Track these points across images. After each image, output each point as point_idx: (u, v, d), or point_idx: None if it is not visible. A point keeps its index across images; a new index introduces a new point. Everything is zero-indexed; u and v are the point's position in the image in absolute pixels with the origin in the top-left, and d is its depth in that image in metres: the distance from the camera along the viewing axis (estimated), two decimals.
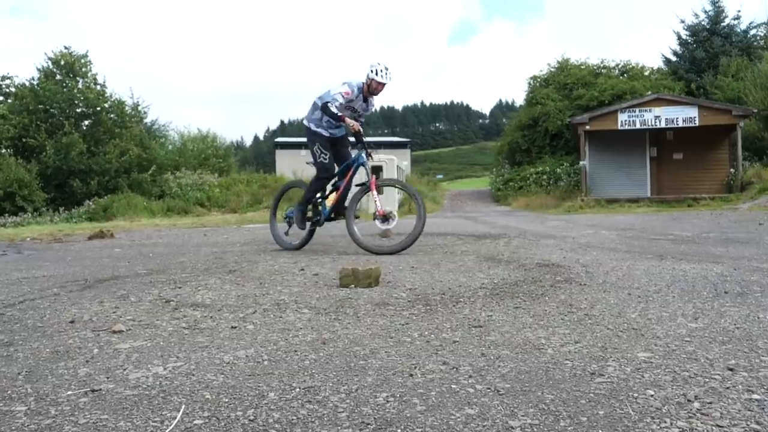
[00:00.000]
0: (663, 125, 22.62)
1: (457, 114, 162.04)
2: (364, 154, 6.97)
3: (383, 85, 6.73)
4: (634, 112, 22.68)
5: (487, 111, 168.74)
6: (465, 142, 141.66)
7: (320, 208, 7.32)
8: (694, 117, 22.18)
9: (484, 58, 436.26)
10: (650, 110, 22.52)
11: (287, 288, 4.06)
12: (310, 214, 7.33)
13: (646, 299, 3.36)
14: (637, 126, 22.73)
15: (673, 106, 22.41)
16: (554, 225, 12.02)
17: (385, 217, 6.95)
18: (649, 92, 26.52)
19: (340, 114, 6.61)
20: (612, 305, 3.21)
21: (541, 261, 5.34)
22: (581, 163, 23.86)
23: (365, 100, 6.94)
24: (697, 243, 6.95)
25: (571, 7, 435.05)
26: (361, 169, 7.01)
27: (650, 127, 22.82)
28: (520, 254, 6.04)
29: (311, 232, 7.35)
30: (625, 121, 22.75)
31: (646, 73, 32.47)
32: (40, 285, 4.63)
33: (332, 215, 7.27)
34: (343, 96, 6.68)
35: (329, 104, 6.61)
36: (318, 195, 7.31)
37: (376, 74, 6.65)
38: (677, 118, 22.36)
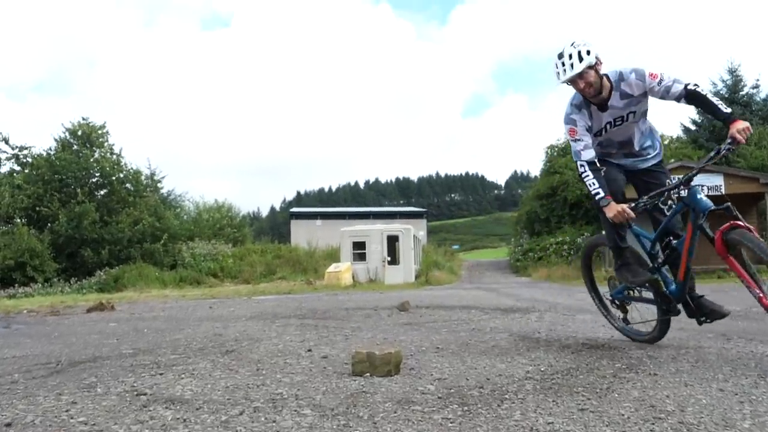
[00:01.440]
0: None
1: (472, 185, 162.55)
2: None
3: (576, 78, 3.92)
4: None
5: (502, 182, 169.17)
6: (480, 212, 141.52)
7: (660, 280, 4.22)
8: (720, 185, 21.47)
9: (498, 130, 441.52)
10: (674, 178, 21.84)
11: (288, 376, 3.33)
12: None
13: (748, 397, 2.61)
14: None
15: (698, 174, 21.72)
16: (583, 298, 11.18)
17: None
18: (672, 160, 25.96)
19: (593, 186, 4.01)
20: (707, 407, 2.46)
21: (586, 341, 4.59)
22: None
23: (602, 106, 4.07)
24: (757, 320, 6.15)
25: None
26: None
27: None
28: (559, 332, 5.28)
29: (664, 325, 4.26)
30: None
31: (666, 142, 31.98)
32: (3, 369, 3.95)
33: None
34: (572, 137, 4.17)
35: (580, 168, 4.13)
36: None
37: (558, 76, 4.01)
38: (702, 186, 21.60)
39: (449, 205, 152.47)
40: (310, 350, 4.39)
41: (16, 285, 24.19)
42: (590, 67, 3.88)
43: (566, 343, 4.48)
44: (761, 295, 3.42)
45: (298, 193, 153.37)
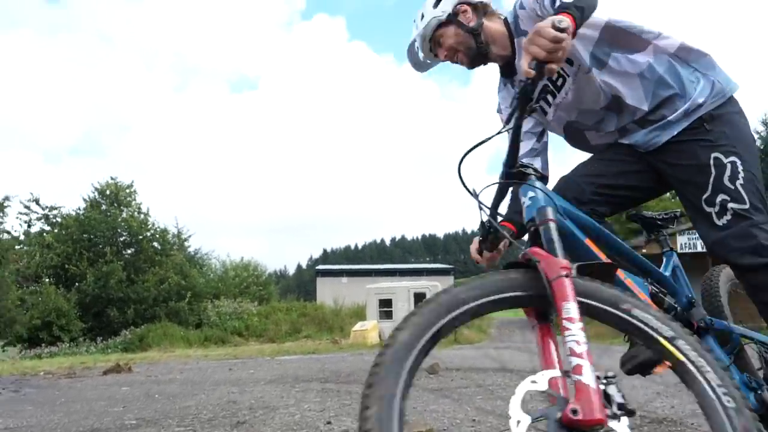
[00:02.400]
0: None
1: None
2: None
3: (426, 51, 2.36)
4: (694, 234, 21.27)
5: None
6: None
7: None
8: None
9: None
10: None
11: None
12: None
13: None
14: (698, 249, 21.21)
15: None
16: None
17: None
18: None
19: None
20: None
21: (645, 413, 4.02)
22: None
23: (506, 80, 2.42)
24: None
25: None
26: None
27: None
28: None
29: None
30: (685, 243, 21.32)
31: None
32: None
33: None
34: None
35: None
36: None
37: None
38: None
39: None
40: (329, 422, 3.89)
41: (43, 345, 23.93)
42: (443, 24, 2.26)
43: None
44: None
45: (325, 250, 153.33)
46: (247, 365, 10.67)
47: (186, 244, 33.20)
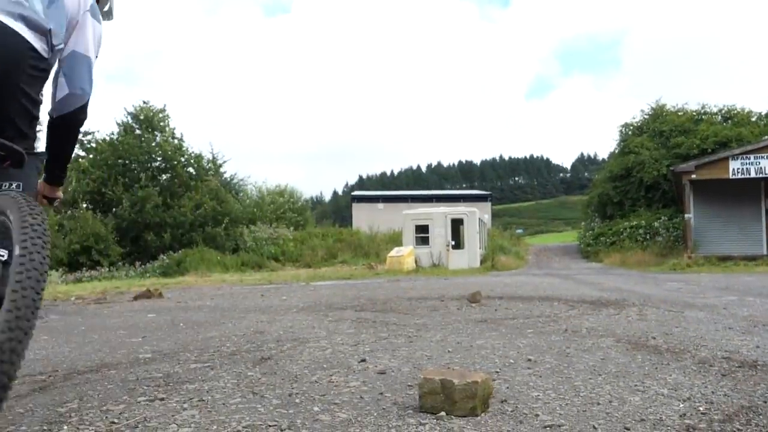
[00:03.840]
0: None
1: (537, 168, 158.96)
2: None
3: None
4: (749, 158, 20.16)
5: (568, 165, 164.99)
6: (545, 196, 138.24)
7: None
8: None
9: (563, 111, 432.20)
10: None
11: (329, 411, 2.36)
12: None
13: None
14: (752, 174, 20.17)
15: None
16: (675, 287, 9.92)
17: None
18: (767, 137, 23.90)
19: None
20: None
21: (728, 354, 3.45)
22: (686, 216, 21.35)
23: None
24: None
25: (649, 57, 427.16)
26: None
27: (767, 175, 20.20)
28: (679, 337, 4.15)
29: None
30: (738, 169, 20.24)
31: (753, 119, 29.67)
32: None
33: None
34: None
35: (86, 108, 2.41)
36: None
37: None
38: None
39: (513, 189, 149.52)
40: (363, 360, 3.41)
41: (84, 269, 24.24)
42: None
43: (702, 357, 3.37)
44: None
45: (361, 177, 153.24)
46: (280, 291, 10.35)
47: (221, 170, 33.06)
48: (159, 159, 28.99)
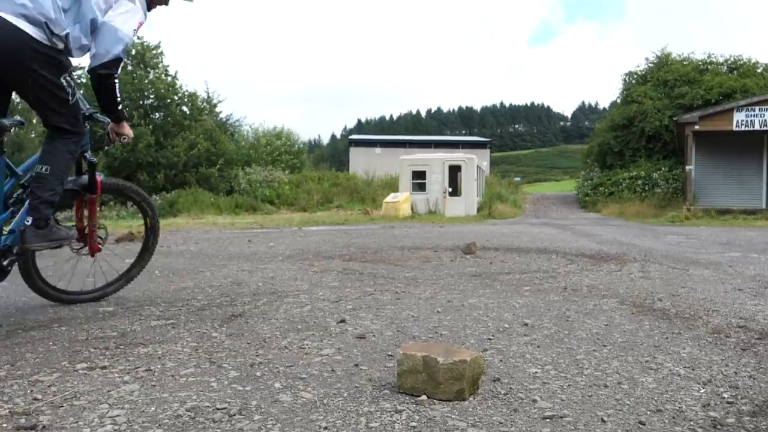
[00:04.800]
0: None
1: (537, 116, 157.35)
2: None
3: None
4: (753, 111, 19.62)
5: (568, 113, 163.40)
6: (545, 144, 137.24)
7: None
8: None
9: (566, 59, 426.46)
10: None
11: (292, 384, 2.02)
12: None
13: None
14: (756, 127, 19.67)
15: None
16: (675, 241, 9.61)
17: None
18: None
19: (120, 94, 3.19)
20: None
21: (743, 321, 3.12)
22: (687, 167, 20.94)
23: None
24: None
25: (655, 4, 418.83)
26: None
27: None
28: (687, 300, 3.82)
29: None
30: (742, 121, 19.73)
31: (759, 70, 28.93)
32: None
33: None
34: (135, 34, 3.24)
35: (119, 64, 3.10)
36: None
37: None
38: None
39: (513, 136, 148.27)
40: (343, 321, 3.08)
41: (72, 209, 23.82)
42: None
43: (715, 325, 3.04)
44: None
45: (359, 120, 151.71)
46: (269, 237, 10.01)
47: (216, 110, 32.37)
48: (152, 97, 28.21)
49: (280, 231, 12.21)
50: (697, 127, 20.26)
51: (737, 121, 19.81)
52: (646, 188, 26.01)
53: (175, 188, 25.93)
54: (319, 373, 2.17)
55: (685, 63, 29.85)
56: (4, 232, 3.06)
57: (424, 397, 1.86)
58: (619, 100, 32.74)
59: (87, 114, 3.29)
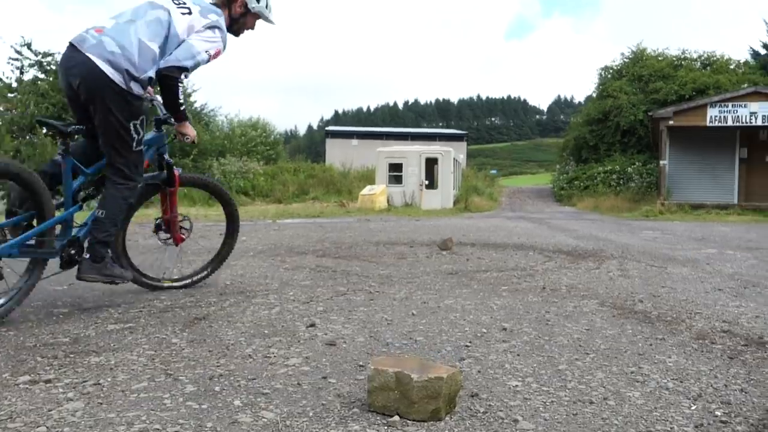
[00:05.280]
0: (759, 123, 19.59)
1: (513, 109, 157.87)
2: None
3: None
4: (726, 107, 19.72)
5: (544, 107, 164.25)
6: (521, 137, 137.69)
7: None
8: None
9: (542, 53, 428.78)
10: (745, 105, 19.52)
11: (254, 402, 1.86)
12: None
13: None
14: (729, 123, 19.77)
15: None
16: (650, 237, 9.57)
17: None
18: (745, 84, 23.47)
19: (181, 97, 3.48)
20: None
21: (727, 325, 3.01)
22: (661, 162, 21.02)
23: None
24: None
25: (630, 2, 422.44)
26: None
27: (744, 124, 19.82)
28: (668, 301, 3.71)
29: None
30: (716, 117, 19.82)
31: (732, 67, 29.16)
32: None
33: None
34: (210, 58, 3.54)
35: (182, 74, 3.40)
36: None
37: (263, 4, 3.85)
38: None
39: (489, 129, 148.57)
40: (312, 325, 2.92)
41: None
42: None
43: (699, 330, 2.92)
44: None
45: (336, 112, 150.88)
46: (242, 230, 9.73)
47: (191, 99, 31.86)
48: None
49: (254, 224, 11.98)
50: (671, 122, 20.32)
51: (711, 117, 19.91)
52: (621, 182, 26.10)
53: None
54: (283, 388, 2.00)
55: (659, 58, 29.96)
56: (76, 225, 3.46)
57: (396, 417, 1.71)
58: (594, 95, 32.81)
59: (162, 118, 3.71)
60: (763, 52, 30.11)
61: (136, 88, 3.24)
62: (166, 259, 4.25)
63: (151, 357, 2.36)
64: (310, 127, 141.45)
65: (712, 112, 19.96)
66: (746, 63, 29.86)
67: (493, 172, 62.74)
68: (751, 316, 3.27)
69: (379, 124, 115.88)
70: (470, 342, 2.64)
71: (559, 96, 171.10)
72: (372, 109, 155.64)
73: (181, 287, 4.05)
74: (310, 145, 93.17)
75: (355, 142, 46.03)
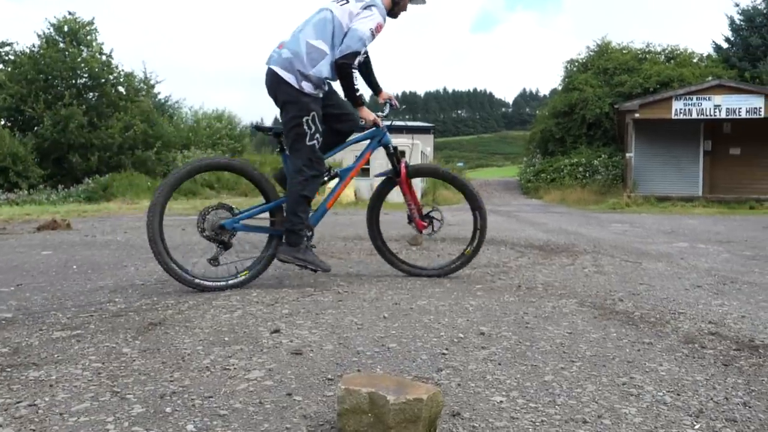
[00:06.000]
0: (723, 116, 19.83)
1: (479, 102, 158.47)
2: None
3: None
4: (691, 99, 19.91)
5: (510, 99, 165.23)
6: (487, 130, 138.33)
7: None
8: (760, 108, 19.36)
9: (507, 46, 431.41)
10: (709, 98, 19.73)
11: (209, 426, 1.65)
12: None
13: None
14: (694, 115, 19.97)
15: (736, 94, 19.57)
16: (620, 230, 9.53)
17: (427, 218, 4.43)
18: (710, 78, 23.74)
19: (356, 83, 3.90)
20: None
21: (714, 327, 2.88)
22: (627, 155, 21.16)
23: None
24: None
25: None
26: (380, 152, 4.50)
27: (708, 117, 20.04)
28: (648, 299, 3.58)
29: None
30: (680, 109, 20.00)
31: (695, 60, 29.53)
32: None
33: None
34: (374, 33, 3.88)
35: (354, 59, 3.79)
36: None
37: None
38: (739, 109, 19.56)
39: (455, 122, 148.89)
40: (277, 331, 2.71)
41: (0, 191, 22.59)
42: None
43: (686, 332, 2.78)
44: None
45: None
46: None
47: (154, 90, 31.25)
48: (85, 76, 26.89)
49: None
50: (637, 115, 20.44)
51: (676, 110, 20.08)
52: (587, 175, 26.26)
53: (109, 171, 24.87)
54: (243, 407, 1.79)
55: (624, 52, 30.19)
56: (312, 211, 4.05)
57: None
58: (560, 88, 32.97)
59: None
60: (725, 45, 30.51)
61: (307, 87, 3.73)
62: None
63: (97, 371, 2.13)
64: (276, 120, 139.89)
65: (677, 105, 20.13)
66: (709, 56, 30.25)
67: (460, 164, 62.92)
68: (736, 316, 3.15)
69: None
70: (447, 349, 2.45)
71: (524, 89, 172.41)
72: None
73: (439, 275, 4.32)
74: None
75: None
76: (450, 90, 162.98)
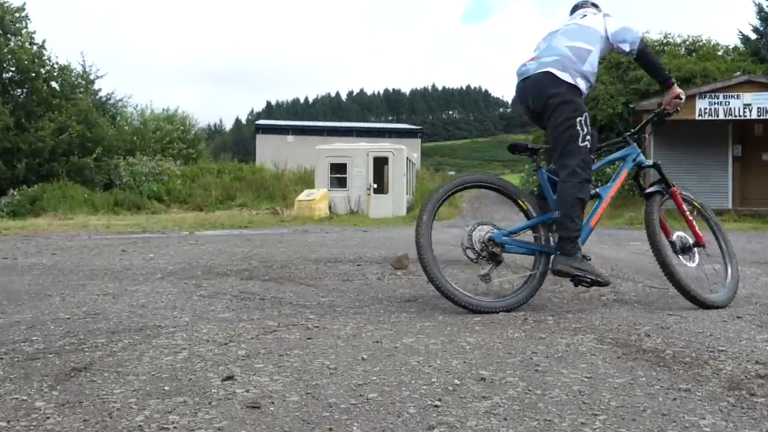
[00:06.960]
0: (754, 116, 19.96)
1: (474, 101, 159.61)
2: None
3: None
4: (717, 98, 20.04)
5: (509, 98, 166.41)
6: (482, 133, 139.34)
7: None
8: None
9: (504, 38, 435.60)
10: (738, 96, 19.88)
11: None
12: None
13: None
14: (720, 116, 20.10)
15: None
16: (641, 249, 9.47)
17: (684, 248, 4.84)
18: (738, 72, 23.95)
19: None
20: None
21: (764, 368, 2.76)
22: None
23: None
24: None
25: None
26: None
27: (737, 117, 20.18)
28: (680, 335, 3.47)
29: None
30: (705, 109, 20.12)
31: (720, 53, 29.87)
32: None
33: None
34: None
35: (642, 41, 4.49)
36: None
37: None
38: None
39: (446, 124, 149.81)
40: (230, 377, 2.55)
41: None
42: None
43: (729, 375, 2.66)
44: None
45: (269, 103, 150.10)
46: (150, 244, 9.28)
47: (94, 87, 31.09)
48: (12, 69, 26.67)
49: (166, 236, 11.48)
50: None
51: (700, 110, 20.20)
52: (599, 184, 26.36)
53: (39, 181, 24.63)
54: None
55: None
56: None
57: None
58: None
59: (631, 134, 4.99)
60: (753, 36, 30.92)
61: (582, 84, 4.16)
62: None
63: None
64: (237, 121, 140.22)
65: (701, 104, 20.25)
66: (735, 49, 30.64)
67: (452, 173, 62.98)
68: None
69: (318, 117, 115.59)
70: (440, 399, 2.31)
71: None
72: (310, 100, 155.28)
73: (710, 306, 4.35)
74: (238, 142, 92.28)
75: (290, 138, 45.60)
76: (439, 87, 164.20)
